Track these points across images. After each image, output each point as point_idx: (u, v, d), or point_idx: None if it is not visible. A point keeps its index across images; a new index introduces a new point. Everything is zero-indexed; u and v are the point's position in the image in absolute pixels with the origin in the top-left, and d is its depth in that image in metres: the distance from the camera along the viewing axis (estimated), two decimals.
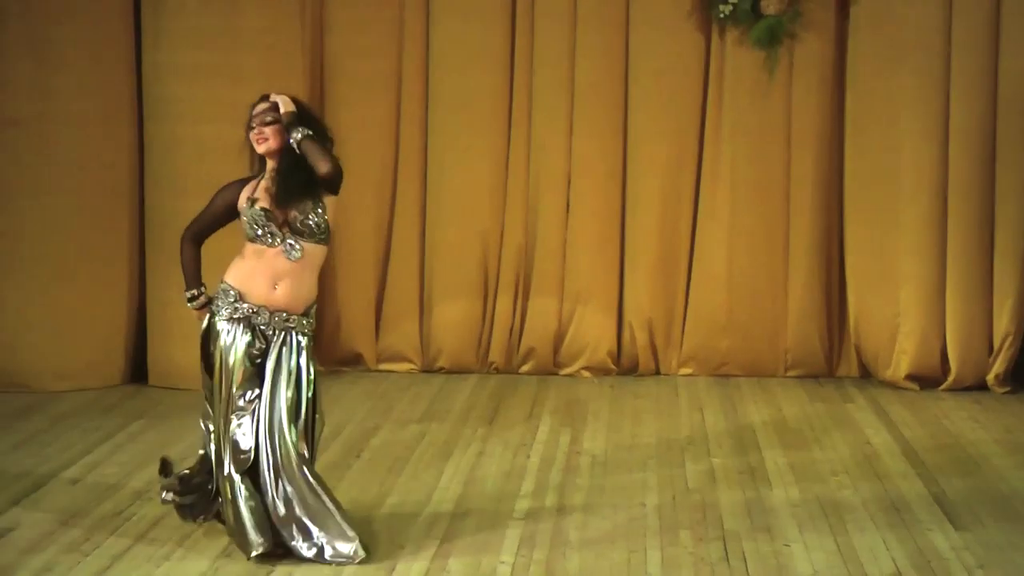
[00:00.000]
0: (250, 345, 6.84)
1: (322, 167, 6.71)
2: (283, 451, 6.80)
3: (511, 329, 11.18)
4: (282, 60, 10.57)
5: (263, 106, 6.90)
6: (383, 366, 11.23)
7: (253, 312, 6.84)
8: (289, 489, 6.76)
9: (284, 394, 6.85)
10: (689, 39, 10.94)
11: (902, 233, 10.71)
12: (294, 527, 6.76)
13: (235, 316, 6.84)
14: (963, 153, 10.55)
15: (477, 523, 7.41)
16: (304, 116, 6.86)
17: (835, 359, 11.17)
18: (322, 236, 6.88)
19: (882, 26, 10.66)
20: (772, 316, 11.09)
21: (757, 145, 10.97)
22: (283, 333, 6.88)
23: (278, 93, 6.88)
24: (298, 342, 6.90)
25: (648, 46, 10.92)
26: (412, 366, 11.22)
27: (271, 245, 6.83)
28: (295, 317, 6.90)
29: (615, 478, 8.30)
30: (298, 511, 6.75)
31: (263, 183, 6.91)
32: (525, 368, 11.16)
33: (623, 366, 11.20)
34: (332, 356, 11.21)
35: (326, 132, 6.90)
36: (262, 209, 6.81)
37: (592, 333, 11.11)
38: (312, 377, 6.96)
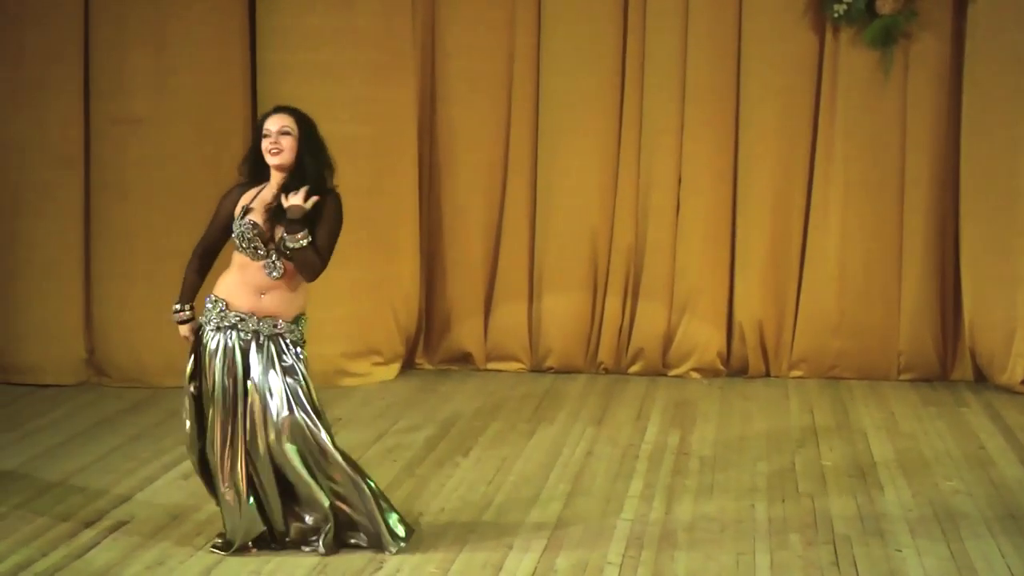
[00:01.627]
0: (234, 350, 6.77)
1: (307, 278, 6.75)
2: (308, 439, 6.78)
3: (620, 329, 11.16)
4: (394, 59, 10.64)
5: (280, 119, 6.77)
6: (492, 365, 11.25)
7: (240, 319, 6.78)
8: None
9: (279, 386, 6.74)
10: (802, 39, 10.87)
11: (1020, 234, 10.55)
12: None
13: (223, 324, 6.79)
14: None
15: (585, 523, 7.41)
16: (311, 141, 6.77)
17: (949, 362, 11.04)
18: (306, 254, 6.73)
19: (1002, 26, 10.50)
20: (885, 318, 10.99)
21: (870, 145, 10.87)
22: (271, 341, 6.78)
23: (296, 197, 6.67)
24: (287, 346, 6.80)
25: (761, 46, 10.86)
26: (521, 365, 11.23)
27: (255, 259, 6.76)
28: (282, 323, 6.79)
29: (724, 480, 8.26)
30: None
31: (263, 194, 6.80)
32: (634, 369, 11.13)
33: (732, 367, 11.15)
34: (441, 355, 11.26)
35: (328, 160, 6.82)
36: (252, 223, 6.72)
37: (701, 334, 11.05)
38: (306, 379, 6.82)
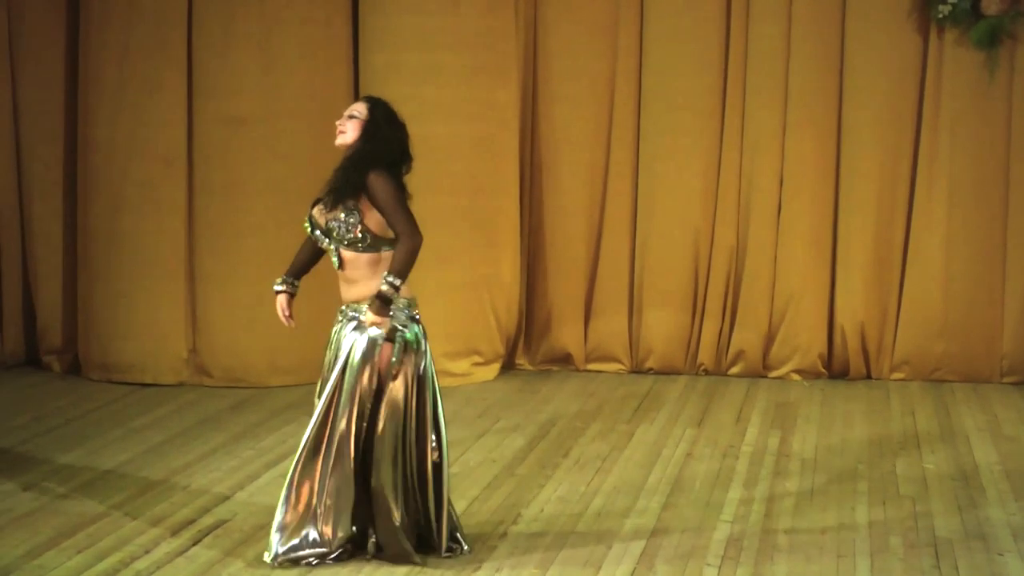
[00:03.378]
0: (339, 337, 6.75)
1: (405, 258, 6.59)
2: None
3: (720, 331, 11.13)
4: (497, 59, 10.68)
5: (354, 105, 6.85)
6: (592, 366, 11.26)
7: (340, 311, 6.79)
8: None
9: (351, 379, 6.66)
10: (907, 40, 10.79)
11: None
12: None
13: (340, 317, 6.80)
14: None
15: (684, 525, 7.39)
16: (376, 127, 6.71)
17: None
18: (362, 243, 6.66)
19: None
20: (989, 320, 10.89)
21: (974, 146, 10.78)
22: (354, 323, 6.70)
23: (376, 319, 6.60)
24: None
25: (864, 47, 10.79)
26: (621, 366, 11.23)
27: (326, 248, 6.78)
28: (363, 307, 6.67)
29: (824, 482, 8.22)
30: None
31: None
32: (734, 370, 11.09)
33: (834, 370, 11.08)
34: (541, 355, 11.28)
35: (389, 149, 6.71)
36: (310, 212, 6.78)
37: (803, 336, 11.00)
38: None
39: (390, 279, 6.54)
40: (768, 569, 6.76)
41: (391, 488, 6.68)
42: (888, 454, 8.85)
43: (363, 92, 10.55)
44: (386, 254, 6.66)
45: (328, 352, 6.80)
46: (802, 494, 7.98)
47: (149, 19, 10.38)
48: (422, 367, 6.80)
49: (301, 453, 6.70)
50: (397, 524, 6.69)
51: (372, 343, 6.65)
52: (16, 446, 8.86)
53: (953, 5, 10.52)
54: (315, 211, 6.77)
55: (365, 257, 6.68)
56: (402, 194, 6.65)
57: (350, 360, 6.66)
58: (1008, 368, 10.90)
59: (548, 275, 11.27)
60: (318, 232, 6.75)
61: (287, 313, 6.95)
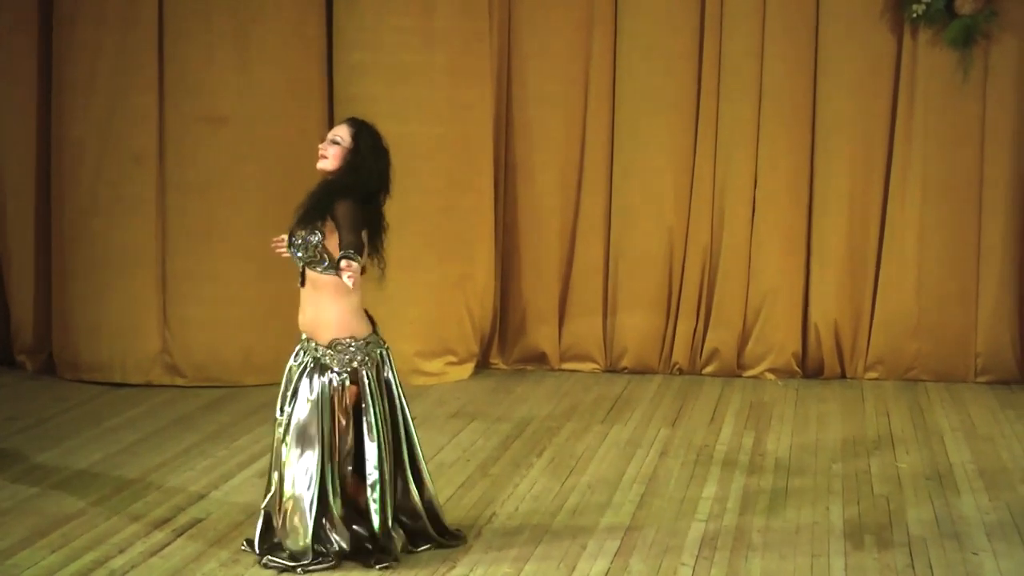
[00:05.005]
0: (297, 367, 6.82)
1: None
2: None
3: (695, 330, 11.15)
4: (471, 60, 10.68)
5: (338, 129, 6.80)
6: (567, 365, 11.27)
7: (301, 340, 6.86)
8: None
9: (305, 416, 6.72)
10: (880, 40, 10.82)
11: None
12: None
13: (299, 346, 6.87)
14: None
15: (659, 523, 7.41)
16: (357, 156, 6.70)
17: None
18: (320, 264, 6.68)
19: None
20: (962, 320, 10.92)
21: (948, 146, 10.81)
22: (312, 360, 6.78)
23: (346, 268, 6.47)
24: (320, 370, 6.76)
25: (838, 47, 10.82)
26: (595, 366, 11.24)
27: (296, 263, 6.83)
28: (320, 348, 6.76)
29: (799, 481, 8.24)
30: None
31: None
32: (708, 370, 11.12)
33: (808, 369, 11.11)
34: (516, 355, 11.29)
35: (371, 178, 6.72)
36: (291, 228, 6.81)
37: (777, 335, 11.03)
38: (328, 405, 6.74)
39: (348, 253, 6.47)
40: (742, 567, 6.78)
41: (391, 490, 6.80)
42: (862, 453, 8.88)
43: (337, 93, 10.58)
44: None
45: (289, 377, 6.82)
46: (776, 493, 8.00)
47: (122, 18, 10.33)
48: (387, 374, 6.85)
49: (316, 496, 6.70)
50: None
51: (337, 388, 6.72)
52: None
53: (927, 5, 10.55)
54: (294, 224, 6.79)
55: (324, 279, 6.70)
56: (359, 221, 6.60)
57: (321, 405, 6.71)
58: (982, 367, 10.94)
59: (523, 275, 11.27)
60: (291, 247, 6.78)
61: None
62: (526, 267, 11.26)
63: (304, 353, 6.82)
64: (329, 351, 6.74)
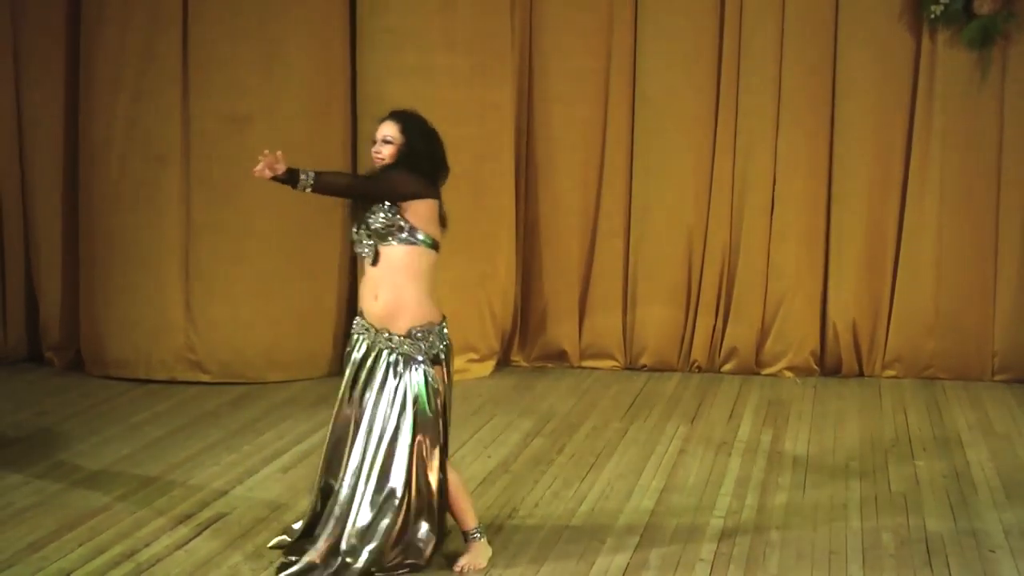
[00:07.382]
0: (363, 358, 6.68)
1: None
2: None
3: (713, 328, 11.19)
4: (492, 59, 10.73)
5: (385, 127, 6.74)
6: (586, 363, 11.31)
7: (364, 329, 6.69)
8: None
9: (383, 414, 6.61)
10: (899, 40, 10.84)
11: None
12: None
13: (357, 330, 6.73)
14: None
15: (677, 520, 7.46)
16: (412, 150, 6.69)
17: None
18: (399, 234, 6.54)
19: None
20: (980, 318, 10.95)
21: (967, 146, 10.84)
22: (390, 353, 6.63)
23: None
24: (404, 363, 6.61)
25: (856, 47, 10.85)
26: (615, 363, 11.29)
27: (361, 249, 6.67)
28: (396, 337, 6.59)
29: (816, 479, 8.28)
30: None
31: None
32: (727, 367, 11.16)
33: (826, 367, 11.15)
34: (536, 352, 11.34)
35: (426, 167, 6.72)
36: (350, 209, 6.73)
37: (795, 333, 11.07)
38: (424, 401, 6.60)
39: (309, 172, 6.51)
40: (760, 565, 6.83)
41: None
42: (880, 451, 8.92)
43: (360, 93, 10.62)
44: (422, 251, 6.59)
45: (351, 371, 6.70)
46: (794, 491, 8.04)
47: (147, 17, 10.40)
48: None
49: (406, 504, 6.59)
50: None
51: (426, 374, 6.60)
52: (18, 441, 8.92)
53: (945, 5, 10.58)
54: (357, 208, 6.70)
55: (401, 251, 6.54)
56: (412, 181, 6.59)
57: (419, 402, 6.58)
58: (999, 366, 10.97)
59: (543, 273, 11.32)
60: (354, 232, 6.65)
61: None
62: (547, 265, 11.31)
63: (376, 344, 6.62)
64: (408, 340, 6.58)
